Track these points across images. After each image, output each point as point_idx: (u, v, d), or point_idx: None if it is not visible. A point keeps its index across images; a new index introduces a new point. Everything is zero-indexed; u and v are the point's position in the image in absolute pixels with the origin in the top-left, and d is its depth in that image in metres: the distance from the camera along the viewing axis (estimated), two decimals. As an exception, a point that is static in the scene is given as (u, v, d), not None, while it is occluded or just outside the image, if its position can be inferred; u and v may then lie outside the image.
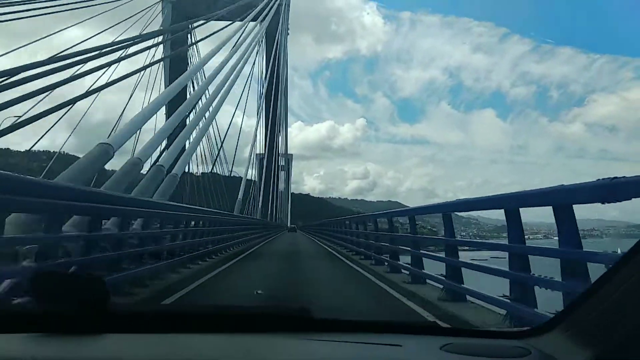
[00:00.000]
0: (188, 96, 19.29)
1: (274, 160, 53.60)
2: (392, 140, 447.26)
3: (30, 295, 1.21)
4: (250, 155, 40.70)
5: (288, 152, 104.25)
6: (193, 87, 25.63)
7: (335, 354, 1.19)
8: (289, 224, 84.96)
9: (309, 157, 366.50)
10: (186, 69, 27.36)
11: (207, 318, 1.33)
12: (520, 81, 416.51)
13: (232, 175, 41.60)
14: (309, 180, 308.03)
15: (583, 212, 4.01)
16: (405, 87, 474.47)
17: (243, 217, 29.21)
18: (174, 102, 16.98)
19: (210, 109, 19.03)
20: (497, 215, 5.49)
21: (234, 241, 17.55)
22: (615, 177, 3.20)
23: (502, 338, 1.29)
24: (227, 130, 33.13)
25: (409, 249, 8.90)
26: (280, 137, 68.24)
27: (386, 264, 10.66)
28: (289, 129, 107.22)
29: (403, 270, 9.42)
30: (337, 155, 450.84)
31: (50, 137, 22.27)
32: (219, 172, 42.68)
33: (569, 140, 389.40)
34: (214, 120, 23.42)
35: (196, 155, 25.71)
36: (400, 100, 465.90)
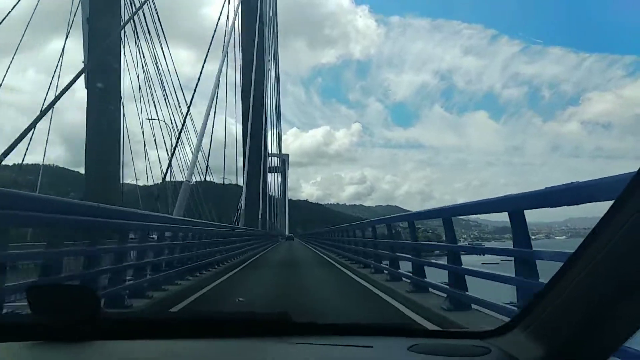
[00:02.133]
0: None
1: (263, 161, 46.75)
2: (388, 145, 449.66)
3: (26, 306, 1.27)
4: (245, 160, 38.04)
5: (283, 153, 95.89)
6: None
7: (309, 356, 1.26)
8: (286, 232, 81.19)
9: (305, 164, 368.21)
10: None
11: (191, 324, 1.41)
12: (512, 82, 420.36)
13: (225, 183, 39.39)
14: (306, 187, 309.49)
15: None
16: (398, 92, 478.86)
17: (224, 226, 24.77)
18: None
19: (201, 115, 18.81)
20: (497, 217, 5.49)
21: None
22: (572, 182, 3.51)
23: (467, 338, 1.34)
24: (212, 133, 28.77)
25: (411, 257, 8.57)
26: (269, 136, 62.20)
27: (409, 281, 8.65)
28: (283, 136, 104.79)
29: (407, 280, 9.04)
30: (333, 161, 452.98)
31: (42, 151, 21.81)
32: (214, 180, 37.53)
33: (564, 139, 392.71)
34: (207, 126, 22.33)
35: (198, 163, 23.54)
36: (393, 105, 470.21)
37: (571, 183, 3.63)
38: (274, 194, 77.53)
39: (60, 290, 1.45)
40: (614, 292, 0.87)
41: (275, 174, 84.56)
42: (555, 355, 0.97)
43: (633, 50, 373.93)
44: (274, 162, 78.81)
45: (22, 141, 10.87)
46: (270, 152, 64.80)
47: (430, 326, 5.29)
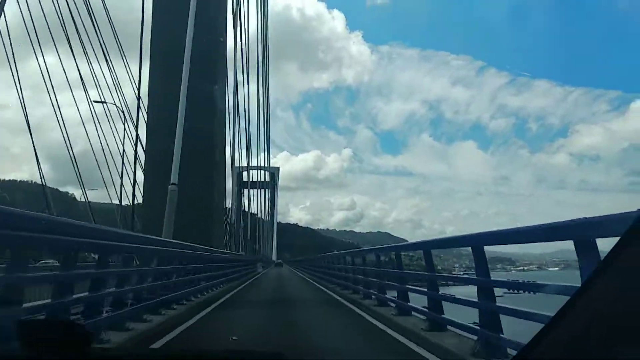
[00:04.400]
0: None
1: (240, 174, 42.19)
2: (376, 172, 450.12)
3: (15, 341, 1.24)
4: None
5: (272, 166, 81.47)
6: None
7: None
8: (273, 258, 73.51)
9: (294, 188, 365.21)
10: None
11: None
12: (500, 113, 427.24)
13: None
14: (295, 211, 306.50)
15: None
16: (387, 120, 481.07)
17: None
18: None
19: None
20: (486, 247, 5.72)
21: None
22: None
23: None
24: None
25: (426, 290, 7.64)
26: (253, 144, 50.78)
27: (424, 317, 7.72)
28: (272, 159, 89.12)
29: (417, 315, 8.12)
30: (322, 186, 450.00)
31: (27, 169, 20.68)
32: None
33: (550, 171, 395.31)
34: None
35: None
36: (382, 132, 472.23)
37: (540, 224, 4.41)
38: (258, 214, 64.71)
39: (52, 326, 1.44)
40: (620, 333, 0.87)
41: (262, 190, 68.39)
42: None
43: (617, 85, 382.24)
44: (260, 176, 63.59)
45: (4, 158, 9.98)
46: (253, 163, 53.89)
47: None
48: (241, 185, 55.10)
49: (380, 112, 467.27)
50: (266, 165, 67.35)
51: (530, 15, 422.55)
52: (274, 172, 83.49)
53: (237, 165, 41.24)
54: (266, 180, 72.18)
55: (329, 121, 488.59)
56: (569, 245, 3.95)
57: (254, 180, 57.62)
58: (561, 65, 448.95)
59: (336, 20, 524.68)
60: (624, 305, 0.86)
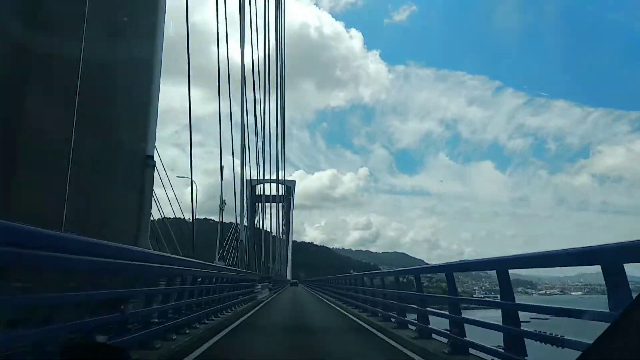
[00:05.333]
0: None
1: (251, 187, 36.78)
2: (392, 191, 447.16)
3: None
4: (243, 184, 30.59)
5: (288, 179, 75.10)
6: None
7: None
8: (288, 277, 69.63)
9: (309, 207, 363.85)
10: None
11: None
12: (517, 133, 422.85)
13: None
14: (310, 230, 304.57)
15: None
16: (403, 139, 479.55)
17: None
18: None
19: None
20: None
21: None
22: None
23: None
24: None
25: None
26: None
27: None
28: (288, 177, 77.41)
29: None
30: (338, 205, 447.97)
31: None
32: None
33: (570, 192, 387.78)
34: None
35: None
36: (398, 152, 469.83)
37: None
38: (271, 231, 58.72)
39: (95, 350, 1.45)
40: None
41: (277, 204, 63.04)
42: None
43: (638, 106, 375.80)
44: (276, 189, 59.64)
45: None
46: (267, 176, 48.51)
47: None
48: (254, 199, 51.08)
49: (396, 131, 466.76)
50: (281, 178, 59.83)
51: (546, 35, 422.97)
52: (290, 186, 76.93)
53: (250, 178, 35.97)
54: (281, 194, 65.77)
55: (345, 140, 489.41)
56: (590, 269, 4.00)
57: (268, 194, 54.15)
58: (580, 85, 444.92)
59: (354, 40, 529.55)
60: None
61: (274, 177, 51.67)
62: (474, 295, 40.11)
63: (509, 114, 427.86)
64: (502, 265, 5.67)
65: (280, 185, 62.69)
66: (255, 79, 33.29)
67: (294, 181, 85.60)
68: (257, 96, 36.29)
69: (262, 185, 52.78)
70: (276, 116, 48.46)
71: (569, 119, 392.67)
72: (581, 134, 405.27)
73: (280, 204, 66.00)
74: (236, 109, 29.39)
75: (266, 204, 55.89)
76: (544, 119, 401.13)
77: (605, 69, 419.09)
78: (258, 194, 53.51)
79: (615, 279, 3.69)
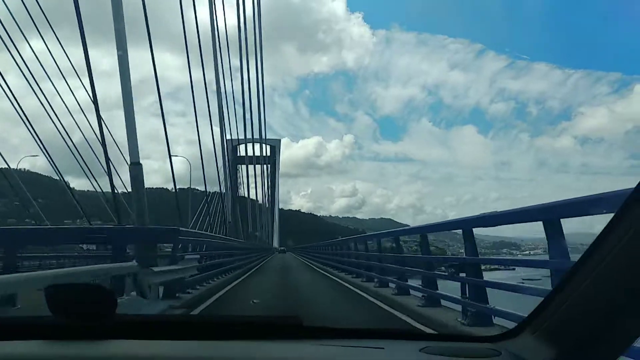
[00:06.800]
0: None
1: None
2: (377, 158, 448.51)
3: (46, 305, 1.30)
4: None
5: (273, 138, 67.93)
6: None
7: (323, 356, 1.29)
8: (274, 244, 67.45)
9: (295, 175, 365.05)
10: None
11: (205, 326, 1.46)
12: (499, 97, 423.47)
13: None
14: (296, 199, 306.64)
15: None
16: (386, 105, 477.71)
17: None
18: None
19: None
20: (494, 231, 5.79)
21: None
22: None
23: (477, 342, 1.37)
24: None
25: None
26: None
27: None
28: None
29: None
30: (323, 173, 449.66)
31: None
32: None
33: (551, 155, 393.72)
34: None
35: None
36: (382, 119, 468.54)
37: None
38: (256, 195, 51.30)
39: (78, 290, 1.44)
40: (620, 295, 0.90)
41: (262, 165, 55.15)
42: (565, 357, 1.00)
43: (617, 67, 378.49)
44: (260, 150, 52.06)
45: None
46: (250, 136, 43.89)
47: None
48: (236, 160, 46.05)
49: (379, 98, 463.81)
50: (264, 137, 51.73)
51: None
52: (274, 146, 68.61)
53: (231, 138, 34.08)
54: (265, 155, 58.46)
55: (328, 107, 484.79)
56: (576, 228, 4.43)
57: (251, 155, 47.33)
58: (560, 47, 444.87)
59: (336, 1, 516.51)
60: (620, 279, 0.90)
61: (254, 134, 45.61)
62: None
63: (491, 78, 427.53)
64: (467, 224, 6.35)
65: (264, 146, 56.71)
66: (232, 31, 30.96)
67: (279, 140, 79.24)
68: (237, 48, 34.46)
69: (245, 147, 47.39)
70: (255, 69, 43.11)
71: (549, 81, 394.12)
72: (562, 97, 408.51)
73: (265, 166, 59.53)
74: (213, 73, 27.91)
75: (250, 166, 49.69)
76: (525, 82, 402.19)
77: (585, 30, 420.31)
78: (240, 156, 48.24)
79: (553, 231, 4.32)
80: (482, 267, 6.16)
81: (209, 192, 28.92)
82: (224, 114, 29.65)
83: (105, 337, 1.28)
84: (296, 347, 1.33)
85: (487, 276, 6.52)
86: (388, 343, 1.38)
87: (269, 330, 1.39)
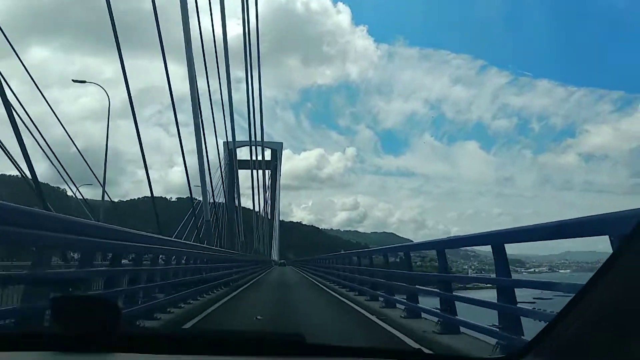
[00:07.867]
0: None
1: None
2: (379, 172, 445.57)
3: (50, 316, 1.27)
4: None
5: (275, 141, 66.15)
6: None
7: None
8: (274, 257, 64.87)
9: (296, 187, 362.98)
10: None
11: (208, 341, 1.45)
12: (502, 113, 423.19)
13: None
14: (297, 211, 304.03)
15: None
16: (388, 119, 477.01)
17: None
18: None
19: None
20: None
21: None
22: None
23: None
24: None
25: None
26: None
27: None
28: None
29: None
30: (325, 186, 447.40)
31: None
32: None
33: (556, 172, 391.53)
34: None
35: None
36: (384, 132, 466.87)
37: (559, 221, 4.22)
38: (254, 203, 46.36)
39: (83, 302, 1.39)
40: (626, 320, 0.91)
41: (262, 171, 47.61)
42: None
43: (620, 86, 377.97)
44: (259, 154, 43.98)
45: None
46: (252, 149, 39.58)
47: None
48: (233, 163, 39.12)
49: (381, 112, 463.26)
50: (262, 140, 43.86)
51: (529, 14, 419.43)
52: (276, 149, 63.26)
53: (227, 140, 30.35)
54: (268, 159, 53.15)
55: (330, 120, 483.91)
56: (577, 247, 4.02)
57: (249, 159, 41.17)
58: (563, 65, 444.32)
59: (341, 15, 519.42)
60: (628, 303, 0.90)
61: (256, 138, 39.88)
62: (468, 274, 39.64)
63: (493, 94, 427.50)
64: (498, 239, 5.34)
65: (264, 150, 48.74)
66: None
67: (281, 143, 75.44)
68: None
69: (250, 150, 41.45)
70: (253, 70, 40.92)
71: (552, 98, 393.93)
72: (565, 114, 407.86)
73: (266, 171, 53.19)
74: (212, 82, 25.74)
75: (247, 171, 44.54)
76: (528, 99, 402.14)
77: (587, 48, 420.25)
78: (239, 160, 42.86)
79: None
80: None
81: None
82: (220, 120, 28.07)
83: (109, 350, 1.27)
84: None
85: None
86: None
87: (272, 346, 1.40)
